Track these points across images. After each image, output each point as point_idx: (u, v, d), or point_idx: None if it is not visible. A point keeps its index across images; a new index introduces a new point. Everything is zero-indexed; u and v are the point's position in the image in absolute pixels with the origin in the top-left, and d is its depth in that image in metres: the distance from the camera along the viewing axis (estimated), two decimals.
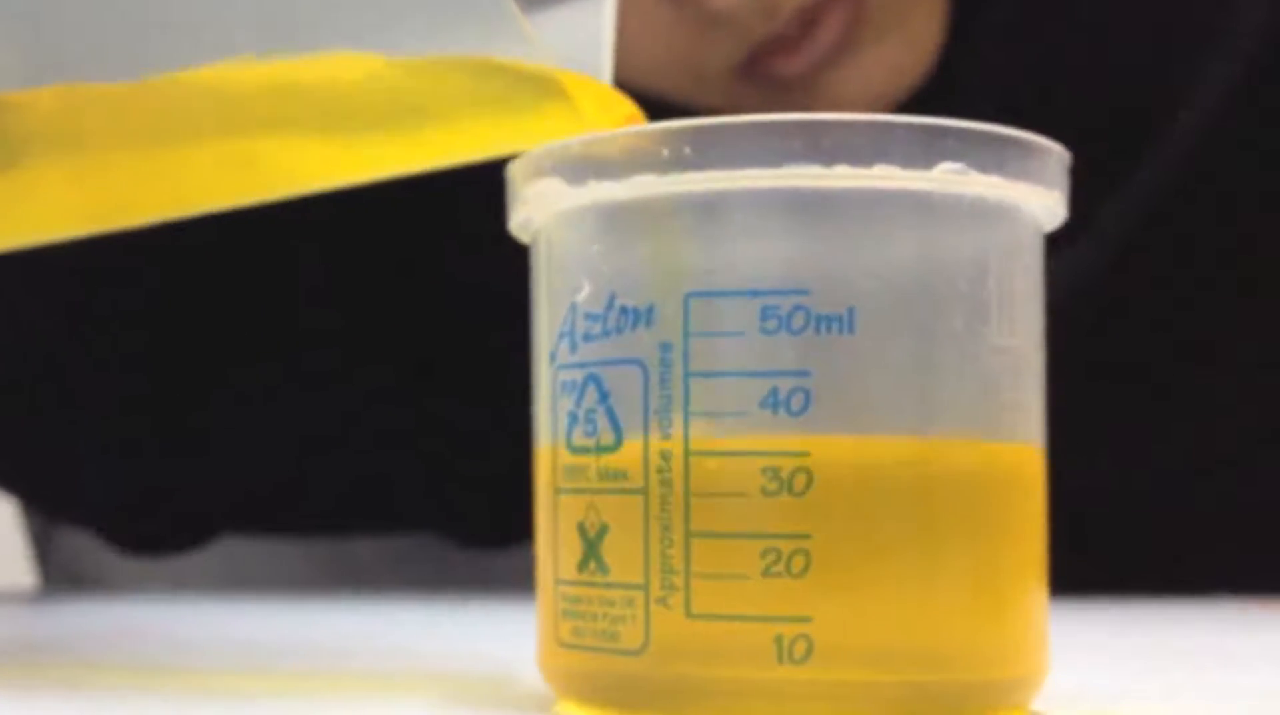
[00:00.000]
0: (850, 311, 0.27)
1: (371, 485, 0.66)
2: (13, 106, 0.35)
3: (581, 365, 0.29)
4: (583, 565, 0.29)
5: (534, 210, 0.30)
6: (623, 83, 0.34)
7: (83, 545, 0.73)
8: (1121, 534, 0.64)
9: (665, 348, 0.28)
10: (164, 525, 0.67)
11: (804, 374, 0.27)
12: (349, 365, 0.64)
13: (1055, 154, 0.29)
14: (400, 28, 0.32)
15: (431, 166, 0.35)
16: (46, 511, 0.76)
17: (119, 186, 0.37)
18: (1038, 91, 0.60)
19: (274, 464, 0.65)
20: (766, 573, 0.27)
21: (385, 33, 0.33)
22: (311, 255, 0.62)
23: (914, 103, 0.58)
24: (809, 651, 0.27)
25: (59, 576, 0.79)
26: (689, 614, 0.27)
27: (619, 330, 0.28)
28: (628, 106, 0.32)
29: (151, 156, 0.36)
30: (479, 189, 0.36)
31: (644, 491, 0.28)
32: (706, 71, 0.56)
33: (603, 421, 0.28)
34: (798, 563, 0.27)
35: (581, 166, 0.29)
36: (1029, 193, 0.29)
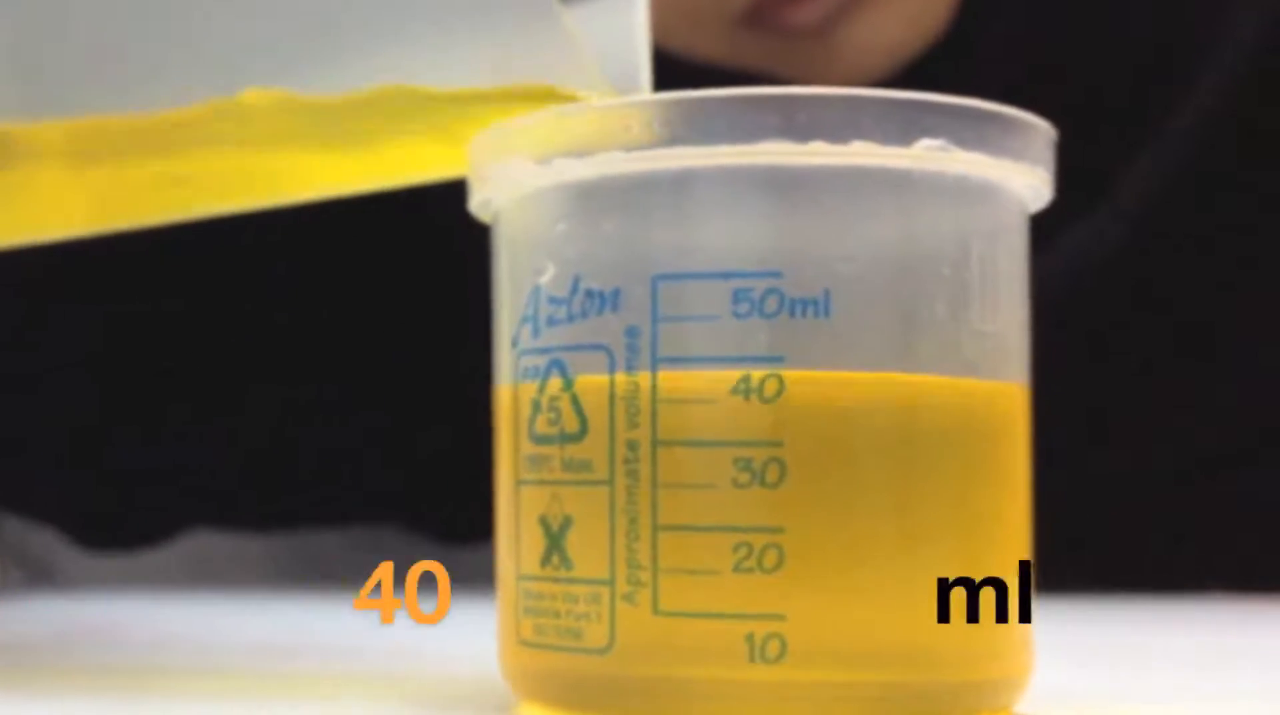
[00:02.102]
0: (826, 294, 0.26)
1: (335, 477, 0.65)
2: (16, 136, 0.34)
3: (545, 350, 0.28)
4: (545, 560, 0.28)
5: (496, 189, 0.29)
6: None
7: (33, 536, 0.72)
8: (1111, 531, 0.63)
9: (632, 332, 0.27)
10: (125, 522, 0.66)
11: (777, 360, 0.26)
12: (314, 355, 0.63)
13: (1041, 130, 0.28)
14: (446, 54, 0.32)
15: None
16: (5, 508, 0.75)
17: (119, 189, 0.36)
18: (1055, 53, 0.59)
19: (236, 457, 0.64)
20: (738, 568, 0.26)
21: (432, 59, 0.33)
22: (275, 249, 0.61)
23: (928, 59, 0.56)
24: (782, 651, 0.26)
25: (9, 564, 0.78)
26: (656, 611, 0.26)
27: (584, 314, 0.27)
28: None
29: (157, 167, 0.36)
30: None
31: (610, 483, 0.27)
32: (707, 18, 0.54)
33: (567, 409, 0.28)
34: (770, 558, 0.26)
35: (546, 143, 0.28)
36: (1013, 171, 0.28)
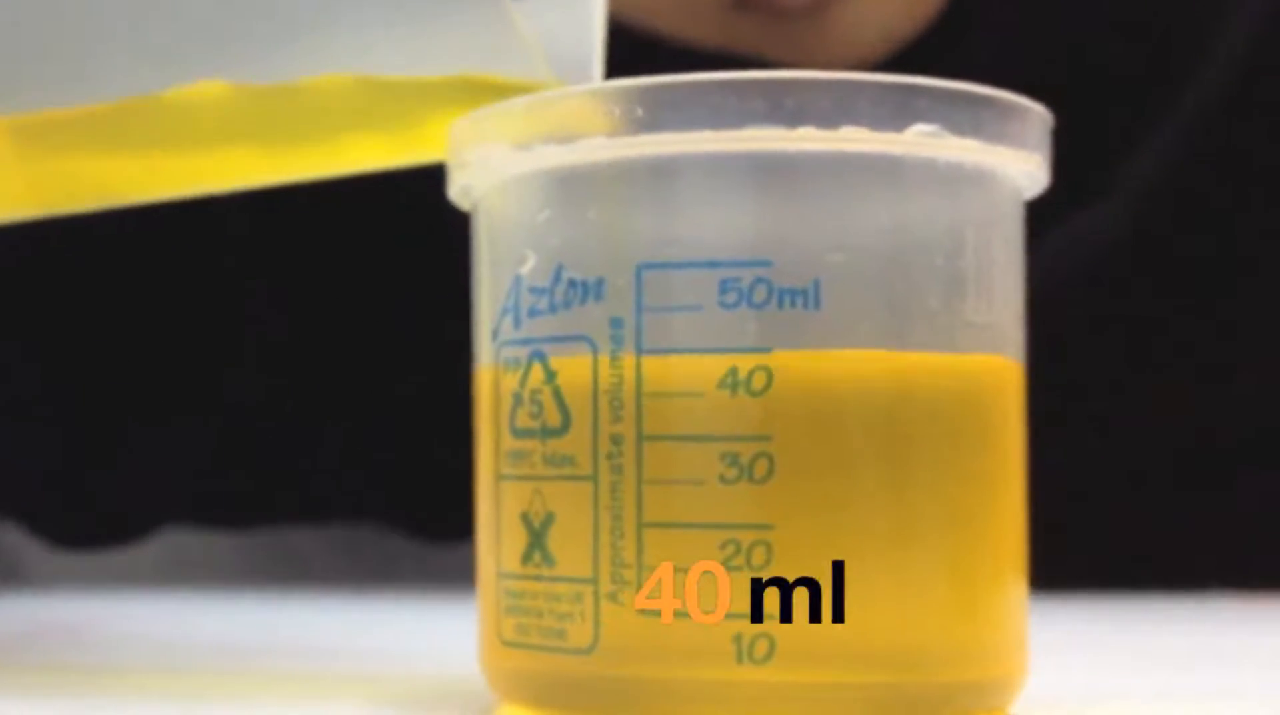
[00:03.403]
0: (815, 284, 0.26)
1: (311, 474, 0.65)
2: None
3: (526, 342, 0.27)
4: (527, 557, 0.27)
5: (475, 176, 0.29)
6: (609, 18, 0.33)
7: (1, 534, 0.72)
8: (1110, 530, 0.63)
9: (616, 323, 0.26)
10: (97, 519, 0.65)
11: (766, 352, 0.26)
12: (291, 351, 0.62)
13: (1037, 115, 0.28)
14: (391, 44, 0.32)
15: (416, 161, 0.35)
16: None
17: (65, 178, 0.36)
18: (1056, 39, 0.58)
19: (211, 454, 0.63)
20: (725, 566, 0.26)
21: (377, 47, 0.32)
22: (249, 242, 0.61)
23: (922, 43, 0.56)
24: (771, 651, 0.25)
25: None
26: (641, 610, 0.26)
27: (566, 305, 0.27)
28: None
29: (103, 159, 0.35)
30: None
31: (593, 478, 0.26)
32: (700, 2, 0.54)
33: (549, 403, 0.27)
34: (759, 556, 0.26)
35: (527, 129, 0.27)
36: (1008, 157, 0.27)
